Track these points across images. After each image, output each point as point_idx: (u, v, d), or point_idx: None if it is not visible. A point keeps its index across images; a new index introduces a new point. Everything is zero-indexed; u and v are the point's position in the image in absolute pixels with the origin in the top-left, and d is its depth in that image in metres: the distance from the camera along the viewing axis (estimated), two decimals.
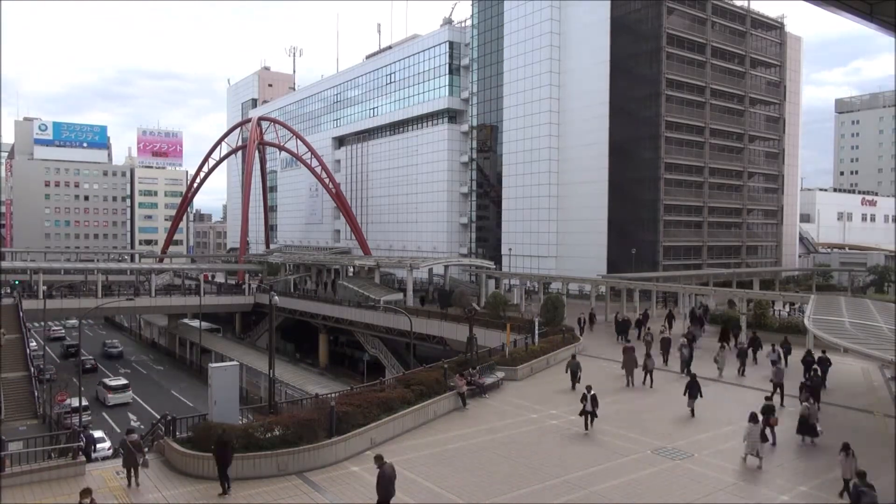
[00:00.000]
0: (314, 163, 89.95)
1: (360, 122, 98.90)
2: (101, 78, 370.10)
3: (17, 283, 70.74)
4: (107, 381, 51.59)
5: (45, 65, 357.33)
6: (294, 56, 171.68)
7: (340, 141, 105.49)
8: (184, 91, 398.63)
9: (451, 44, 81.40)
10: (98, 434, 35.63)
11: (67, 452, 18.34)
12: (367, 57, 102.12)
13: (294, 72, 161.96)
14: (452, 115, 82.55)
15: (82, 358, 50.81)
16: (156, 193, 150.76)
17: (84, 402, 37.51)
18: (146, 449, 18.40)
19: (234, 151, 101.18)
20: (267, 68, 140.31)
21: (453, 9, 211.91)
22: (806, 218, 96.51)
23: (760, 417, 19.24)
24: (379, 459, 15.31)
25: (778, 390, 25.32)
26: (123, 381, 51.80)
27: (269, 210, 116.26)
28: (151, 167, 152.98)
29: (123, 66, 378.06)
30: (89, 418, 40.93)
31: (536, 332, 35.55)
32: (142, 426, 41.14)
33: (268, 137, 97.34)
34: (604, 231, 63.99)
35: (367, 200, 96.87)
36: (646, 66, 64.20)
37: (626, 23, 64.84)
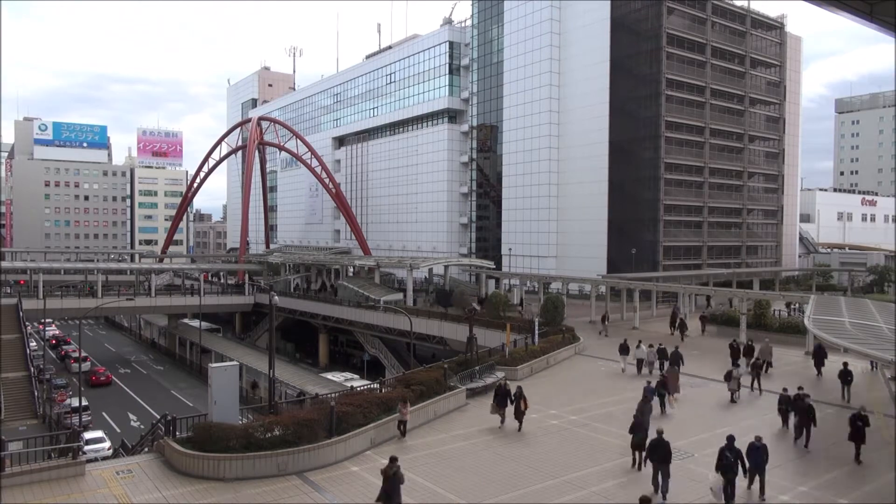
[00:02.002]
0: (314, 163, 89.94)
1: (360, 122, 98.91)
2: (74, 83, 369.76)
3: (14, 283, 70.73)
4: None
5: (17, 69, 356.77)
6: (294, 56, 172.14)
7: (340, 141, 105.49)
8: (156, 95, 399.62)
9: (451, 44, 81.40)
10: (98, 434, 35.65)
11: (67, 452, 18.32)
12: (367, 57, 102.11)
13: (294, 72, 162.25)
14: (452, 115, 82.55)
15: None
16: (156, 193, 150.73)
17: (84, 402, 37.46)
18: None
19: (234, 151, 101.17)
20: (267, 68, 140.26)
21: (453, 9, 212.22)
22: (806, 218, 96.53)
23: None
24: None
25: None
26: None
27: (269, 210, 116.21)
28: (151, 167, 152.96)
29: (94, 71, 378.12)
30: (89, 418, 40.95)
31: (536, 332, 35.57)
32: (141, 426, 41.20)
33: (268, 137, 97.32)
34: (604, 231, 63.99)
35: (367, 200, 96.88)
36: (646, 66, 64.20)
37: (626, 23, 64.84)
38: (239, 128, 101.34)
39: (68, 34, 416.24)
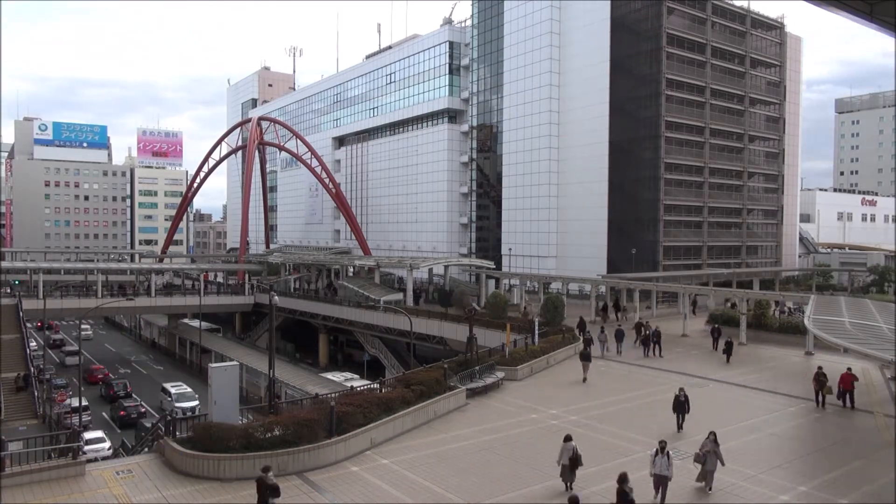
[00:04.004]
0: (314, 163, 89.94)
1: (360, 122, 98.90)
2: (48, 87, 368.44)
3: (17, 282, 70.70)
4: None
5: None
6: (294, 56, 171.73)
7: (340, 141, 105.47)
8: (129, 99, 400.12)
9: (451, 44, 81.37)
10: (98, 434, 35.63)
11: (67, 452, 18.32)
12: (367, 57, 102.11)
13: (294, 72, 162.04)
14: (452, 115, 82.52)
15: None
16: (156, 193, 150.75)
17: (84, 402, 37.45)
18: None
19: (234, 151, 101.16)
20: (267, 68, 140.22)
21: (453, 9, 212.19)
22: (806, 218, 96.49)
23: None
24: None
25: None
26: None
27: (269, 210, 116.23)
28: (151, 167, 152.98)
29: (67, 75, 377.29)
30: (89, 418, 40.92)
31: (536, 332, 35.57)
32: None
33: (268, 137, 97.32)
34: (604, 231, 63.95)
35: (367, 200, 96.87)
36: (646, 66, 64.17)
37: (626, 23, 64.81)
38: (239, 128, 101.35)
39: (34, 39, 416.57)
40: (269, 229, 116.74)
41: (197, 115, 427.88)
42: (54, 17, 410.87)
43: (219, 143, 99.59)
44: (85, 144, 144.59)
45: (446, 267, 63.62)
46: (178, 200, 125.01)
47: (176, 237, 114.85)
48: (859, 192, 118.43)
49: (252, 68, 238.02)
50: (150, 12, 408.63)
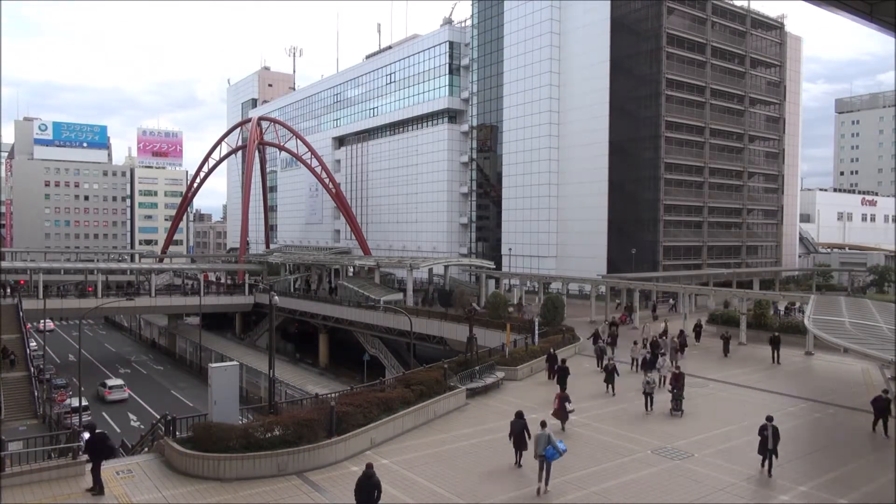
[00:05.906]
0: (314, 163, 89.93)
1: (360, 122, 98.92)
2: (24, 91, 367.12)
3: (14, 282, 70.58)
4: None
5: None
6: (294, 56, 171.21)
7: (340, 141, 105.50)
8: (104, 103, 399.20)
9: (451, 44, 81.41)
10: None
11: (67, 452, 18.31)
12: (367, 57, 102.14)
13: (294, 72, 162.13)
14: (452, 115, 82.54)
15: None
16: (156, 193, 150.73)
17: (84, 402, 37.46)
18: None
19: (234, 151, 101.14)
20: (267, 68, 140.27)
21: (453, 9, 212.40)
22: (806, 218, 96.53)
23: None
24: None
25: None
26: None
27: (269, 210, 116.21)
28: (151, 167, 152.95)
29: (41, 79, 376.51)
30: (89, 418, 40.91)
31: (536, 332, 35.56)
32: (142, 426, 41.20)
33: (268, 137, 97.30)
34: (604, 231, 64.00)
35: (367, 200, 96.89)
36: (646, 65, 64.21)
37: (626, 23, 64.84)
38: (239, 128, 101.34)
39: (8, 44, 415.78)
40: (269, 229, 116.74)
41: (174, 118, 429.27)
42: (23, 23, 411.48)
43: (219, 143, 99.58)
44: (85, 144, 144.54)
45: (446, 267, 63.62)
46: (178, 200, 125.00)
47: (176, 237, 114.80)
48: (859, 192, 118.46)
49: (252, 68, 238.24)
50: (127, 15, 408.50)
